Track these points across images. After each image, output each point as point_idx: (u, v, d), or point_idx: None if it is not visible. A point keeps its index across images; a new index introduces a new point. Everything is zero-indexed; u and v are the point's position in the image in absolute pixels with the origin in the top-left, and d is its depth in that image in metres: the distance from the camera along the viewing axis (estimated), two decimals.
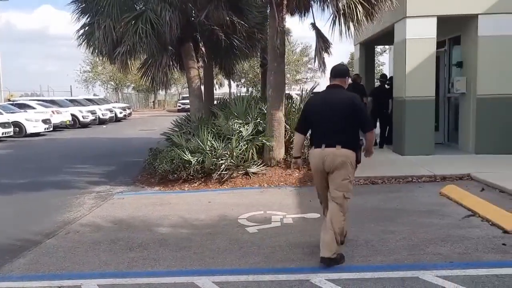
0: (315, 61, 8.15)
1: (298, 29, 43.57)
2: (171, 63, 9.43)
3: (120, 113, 28.54)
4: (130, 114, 31.55)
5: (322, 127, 4.09)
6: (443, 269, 3.80)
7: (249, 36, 10.15)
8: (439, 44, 10.39)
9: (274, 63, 7.91)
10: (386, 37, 10.91)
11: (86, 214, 6.19)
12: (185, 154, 7.55)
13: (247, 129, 7.94)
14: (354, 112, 4.01)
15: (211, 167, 7.54)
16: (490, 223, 4.89)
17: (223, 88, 54.11)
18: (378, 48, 49.44)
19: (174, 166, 7.58)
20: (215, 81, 49.23)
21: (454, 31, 9.83)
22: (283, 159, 8.09)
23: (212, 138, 7.82)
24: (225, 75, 13.42)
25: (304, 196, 6.56)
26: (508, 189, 6.13)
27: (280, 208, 5.98)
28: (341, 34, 7.40)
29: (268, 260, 4.19)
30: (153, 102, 52.54)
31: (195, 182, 7.59)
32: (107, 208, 6.48)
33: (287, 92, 32.78)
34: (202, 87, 11.34)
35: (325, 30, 7.89)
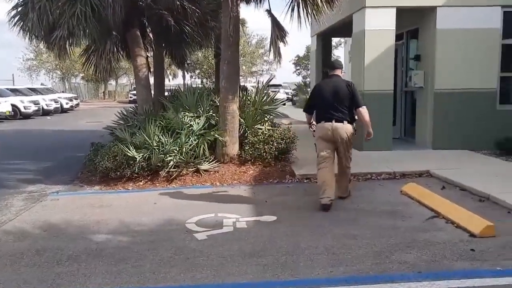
0: (270, 51, 7.71)
1: (254, 21, 42.97)
2: (115, 49, 8.64)
3: (67, 103, 26.96)
4: (77, 105, 29.95)
5: (331, 106, 5.38)
6: (411, 281, 3.43)
7: (202, 24, 9.52)
8: (398, 37, 10.19)
9: (228, 51, 7.35)
10: (344, 28, 10.60)
11: (12, 218, 5.42)
12: (129, 150, 6.87)
13: (198, 123, 7.36)
14: (352, 94, 5.44)
15: (158, 164, 6.91)
16: (455, 225, 4.60)
17: (177, 79, 52.79)
18: (334, 42, 49.94)
19: (117, 163, 6.88)
20: (168, 72, 48.01)
21: (412, 24, 9.64)
22: (237, 155, 7.58)
23: (160, 133, 7.18)
24: (177, 65, 12.68)
25: (259, 196, 6.09)
26: (469, 187, 5.92)
27: (233, 210, 5.47)
28: (299, 21, 6.94)
29: (218, 274, 3.66)
30: (103, 92, 50.44)
31: (141, 181, 6.94)
32: (38, 211, 5.72)
33: (242, 84, 32.09)
34: (153, 78, 10.62)
35: (285, 20, 7.42)
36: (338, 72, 5.69)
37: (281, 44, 7.32)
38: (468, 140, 8.75)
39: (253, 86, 27.80)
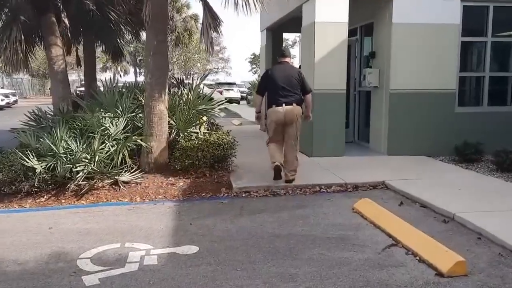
0: (201, 41, 6.70)
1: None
2: (22, 37, 7.26)
3: (2, 100, 24.83)
4: (15, 101, 27.65)
5: (283, 90, 5.78)
6: None
7: (132, 11, 8.31)
8: (351, 33, 9.37)
9: (154, 41, 6.20)
10: (295, 22, 9.65)
11: None
12: (29, 158, 5.59)
13: (116, 125, 6.16)
14: (301, 80, 5.91)
15: (66, 176, 5.68)
16: (417, 257, 3.71)
17: (129, 76, 50.57)
18: (290, 40, 49.39)
19: (12, 174, 5.59)
20: (119, 68, 45.36)
21: (367, 18, 8.84)
22: (165, 163, 6.46)
23: (70, 137, 5.94)
24: (112, 59, 11.35)
25: (185, 216, 5.00)
26: (430, 204, 5.09)
27: (147, 236, 4.36)
28: (237, 8, 5.91)
29: None
30: (49, 88, 47.51)
31: (43, 196, 5.67)
32: None
33: (204, 82, 30.72)
34: (82, 72, 9.27)
35: (228, 10, 6.36)
36: (287, 59, 6.15)
37: (214, 34, 6.24)
38: (426, 145, 8.04)
39: (206, 85, 26.63)
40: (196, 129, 6.79)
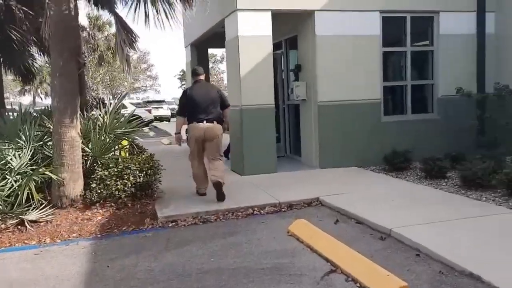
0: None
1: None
2: None
3: None
4: None
5: (202, 108, 5.82)
6: None
7: (38, 28, 7.55)
8: (277, 46, 9.25)
9: (59, 61, 5.55)
10: (220, 37, 9.35)
11: None
12: None
13: (20, 157, 5.43)
14: (220, 97, 6.06)
15: None
16: (358, 284, 3.44)
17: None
18: (218, 56, 49.29)
19: None
20: (39, 90, 42.65)
21: (291, 31, 8.74)
22: (80, 196, 5.79)
23: None
24: (22, 81, 10.38)
25: (102, 256, 4.41)
26: (366, 220, 4.91)
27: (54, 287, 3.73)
28: (147, 20, 5.48)
29: None
30: None
31: None
32: None
33: (132, 101, 29.01)
34: None
35: (139, 21, 5.87)
36: (202, 77, 6.21)
37: (130, 51, 5.75)
38: (356, 156, 8.01)
39: (132, 103, 25.55)
40: (114, 155, 6.19)
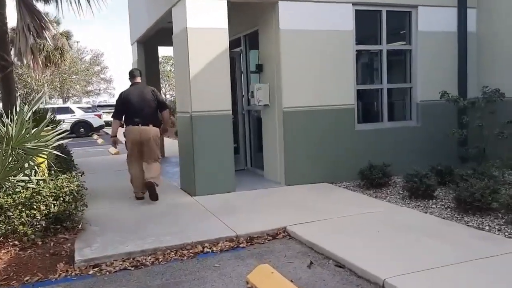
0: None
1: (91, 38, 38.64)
2: None
3: None
4: None
5: (137, 111, 5.94)
6: None
7: None
8: (234, 44, 8.06)
9: None
10: (169, 34, 8.06)
11: None
12: None
13: None
14: (156, 98, 6.10)
15: None
16: None
17: None
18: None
19: None
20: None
21: (251, 25, 7.58)
22: None
23: None
24: None
25: None
26: (348, 263, 3.76)
27: None
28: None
29: None
30: None
31: None
32: None
33: (80, 105, 27.04)
34: None
35: None
36: (138, 79, 6.24)
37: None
38: (327, 170, 6.92)
39: (81, 108, 23.65)
40: (22, 176, 4.77)
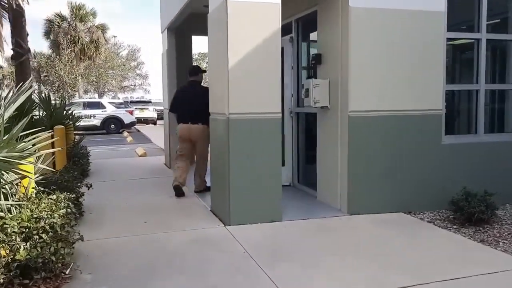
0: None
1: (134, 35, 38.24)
2: None
3: None
4: None
5: (188, 109, 6.05)
6: None
7: None
8: (283, 30, 6.45)
9: None
10: (205, 20, 6.55)
11: None
12: None
13: None
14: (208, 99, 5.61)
15: None
16: None
17: None
18: None
19: None
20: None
21: (306, 5, 5.96)
22: None
23: None
24: None
25: None
26: None
27: None
28: None
29: None
30: None
31: None
32: None
33: (112, 100, 26.19)
34: None
35: None
36: (196, 77, 6.28)
37: None
38: (404, 196, 5.23)
39: (112, 103, 22.65)
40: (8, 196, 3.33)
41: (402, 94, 5.17)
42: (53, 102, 9.25)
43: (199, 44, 63.77)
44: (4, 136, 3.39)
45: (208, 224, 4.85)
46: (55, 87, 33.16)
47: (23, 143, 3.40)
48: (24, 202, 3.35)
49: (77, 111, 19.94)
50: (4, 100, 3.63)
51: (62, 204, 3.52)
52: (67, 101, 28.40)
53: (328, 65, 5.48)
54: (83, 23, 29.64)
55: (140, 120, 26.24)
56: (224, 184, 4.84)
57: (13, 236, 3.02)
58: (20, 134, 3.91)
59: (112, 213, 5.33)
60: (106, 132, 21.57)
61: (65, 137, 7.52)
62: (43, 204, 3.51)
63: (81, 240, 3.71)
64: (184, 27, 8.77)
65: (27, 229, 3.13)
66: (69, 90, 31.82)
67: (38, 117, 8.24)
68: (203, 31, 9.49)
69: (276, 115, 4.82)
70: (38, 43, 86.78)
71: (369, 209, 5.12)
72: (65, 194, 3.89)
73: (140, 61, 47.07)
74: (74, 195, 4.60)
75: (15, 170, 3.37)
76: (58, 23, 29.16)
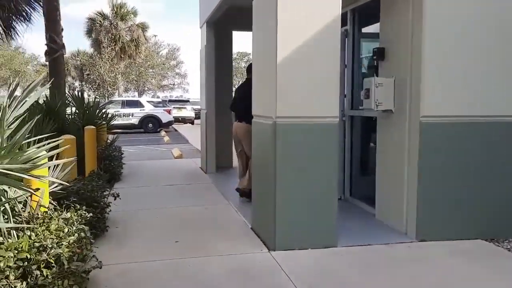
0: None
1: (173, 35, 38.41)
2: None
3: None
4: None
5: (238, 107, 6.00)
6: None
7: None
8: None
9: None
10: (248, 14, 5.79)
11: None
12: None
13: None
14: None
15: None
16: None
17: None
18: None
19: None
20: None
21: None
22: None
23: None
24: None
25: None
26: None
27: None
28: None
29: None
30: None
31: None
32: None
33: (151, 99, 26.14)
34: None
35: None
36: (250, 76, 5.65)
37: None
38: (487, 220, 4.30)
39: (150, 101, 22.39)
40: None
41: (490, 95, 4.24)
42: (90, 100, 8.85)
43: (238, 44, 63.44)
44: (5, 143, 2.76)
45: (249, 247, 4.10)
46: (95, 85, 33.49)
47: (29, 152, 2.76)
48: (25, 225, 2.70)
49: (116, 109, 19.84)
50: (10, 99, 3.01)
51: (74, 228, 2.86)
52: (106, 99, 28.62)
53: (393, 61, 4.62)
54: (124, 21, 29.68)
55: (178, 119, 25.95)
56: (269, 200, 4.08)
57: (7, 272, 2.37)
58: (36, 138, 3.31)
59: (140, 228, 4.68)
60: (144, 131, 21.35)
61: (95, 138, 6.99)
62: (53, 225, 2.87)
63: (98, 268, 3.05)
64: (224, 21, 8.10)
65: (26, 262, 2.48)
66: (109, 88, 32.01)
67: (70, 116, 7.82)
68: (244, 26, 8.81)
69: (333, 120, 4.01)
70: (80, 42, 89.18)
71: (442, 235, 4.23)
72: (80, 211, 3.25)
73: (180, 60, 47.18)
74: (96, 208, 3.99)
75: (19, 185, 2.73)
76: (100, 21, 29.36)
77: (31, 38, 61.76)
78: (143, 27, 30.10)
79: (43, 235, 2.69)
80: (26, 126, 2.77)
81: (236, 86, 6.92)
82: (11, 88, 3.25)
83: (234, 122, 6.16)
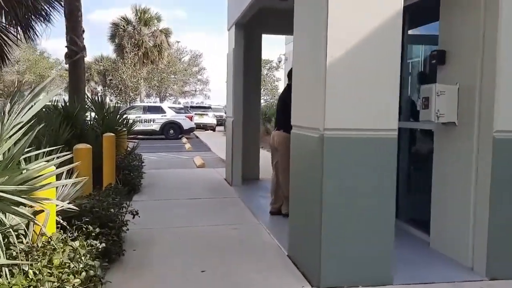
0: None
1: (194, 41, 38.30)
2: None
3: None
4: None
5: (277, 115, 5.79)
6: None
7: None
8: None
9: None
10: (278, 16, 5.18)
11: None
12: None
13: None
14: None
15: None
16: None
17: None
18: (274, 62, 45.10)
19: None
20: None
21: None
22: None
23: None
24: None
25: None
26: None
27: None
28: None
29: None
30: None
31: None
32: None
33: (172, 105, 25.81)
34: None
35: None
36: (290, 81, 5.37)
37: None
38: None
39: (172, 108, 22.03)
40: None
41: None
42: (111, 105, 8.41)
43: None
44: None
45: (287, 282, 3.48)
46: (117, 90, 33.45)
47: (29, 171, 2.22)
48: (19, 262, 2.15)
49: (137, 115, 19.52)
50: (12, 103, 2.48)
51: (81, 266, 2.29)
52: (127, 104, 28.46)
53: (456, 66, 3.97)
54: (147, 27, 29.53)
55: (199, 126, 25.56)
56: (312, 226, 3.46)
57: None
58: (40, 152, 2.78)
59: (161, 252, 4.11)
60: (165, 137, 20.97)
61: (114, 146, 6.51)
62: (56, 260, 2.31)
63: None
64: (253, 24, 7.55)
65: None
66: (131, 94, 31.91)
67: (89, 122, 7.39)
68: (276, 29, 8.24)
69: (391, 134, 3.39)
70: (104, 48, 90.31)
71: None
72: (90, 240, 2.69)
73: (202, 67, 46.96)
74: (111, 229, 3.45)
75: (12, 210, 2.19)
76: (123, 26, 29.29)
77: (54, 43, 62.53)
78: (166, 32, 29.91)
79: (42, 275, 2.12)
80: (26, 138, 2.22)
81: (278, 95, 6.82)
82: (27, 93, 2.74)
83: (272, 131, 5.91)
